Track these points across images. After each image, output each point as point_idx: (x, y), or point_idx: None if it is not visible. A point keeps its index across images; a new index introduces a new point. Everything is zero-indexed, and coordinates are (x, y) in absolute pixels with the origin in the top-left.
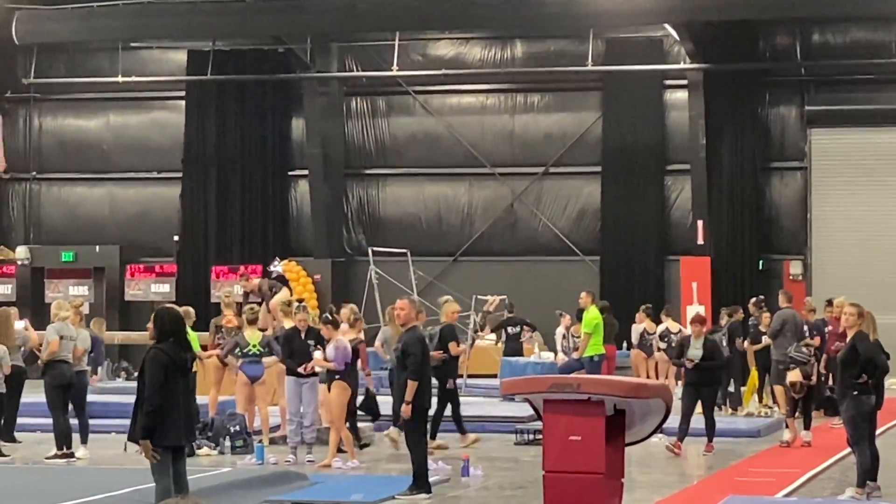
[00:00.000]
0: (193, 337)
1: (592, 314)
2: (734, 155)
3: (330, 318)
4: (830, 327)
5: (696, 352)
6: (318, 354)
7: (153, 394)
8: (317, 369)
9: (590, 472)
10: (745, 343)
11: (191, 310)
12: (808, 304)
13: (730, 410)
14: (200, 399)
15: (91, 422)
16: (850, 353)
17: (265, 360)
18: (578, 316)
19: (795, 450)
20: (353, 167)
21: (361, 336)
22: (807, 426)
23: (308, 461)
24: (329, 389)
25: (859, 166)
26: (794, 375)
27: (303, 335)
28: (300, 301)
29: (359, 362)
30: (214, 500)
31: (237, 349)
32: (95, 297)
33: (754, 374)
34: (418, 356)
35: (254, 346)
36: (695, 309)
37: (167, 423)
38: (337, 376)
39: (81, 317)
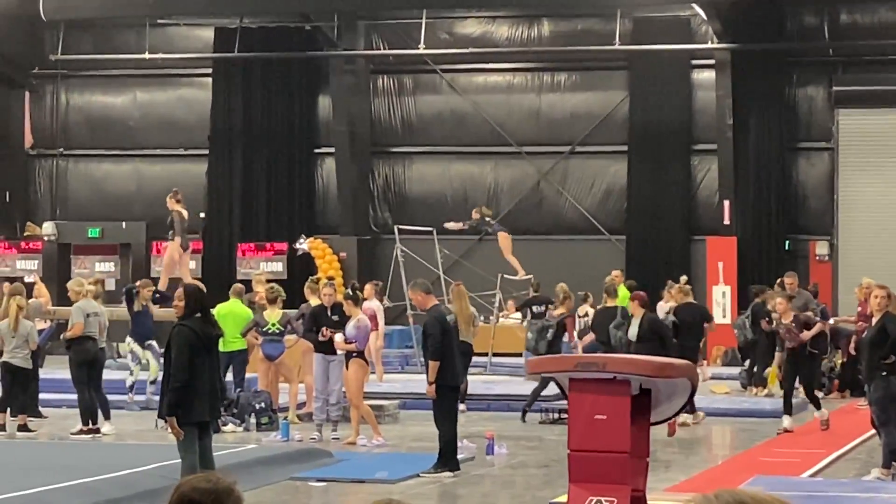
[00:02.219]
0: (249, 313)
1: (622, 293)
2: (761, 135)
3: (352, 293)
4: (860, 308)
5: (632, 329)
6: (338, 337)
7: (178, 370)
8: (338, 352)
9: (615, 452)
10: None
11: (241, 286)
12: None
13: (754, 391)
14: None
15: (116, 398)
16: (879, 334)
17: (287, 338)
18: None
19: (820, 431)
20: (379, 145)
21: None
22: (816, 406)
23: (333, 438)
24: (347, 367)
25: (887, 147)
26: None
27: (329, 311)
28: (330, 279)
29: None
30: (240, 476)
31: (256, 327)
32: (121, 273)
33: (779, 355)
34: (436, 336)
35: (273, 324)
36: (721, 289)
37: (193, 400)
38: (354, 354)
39: (98, 293)
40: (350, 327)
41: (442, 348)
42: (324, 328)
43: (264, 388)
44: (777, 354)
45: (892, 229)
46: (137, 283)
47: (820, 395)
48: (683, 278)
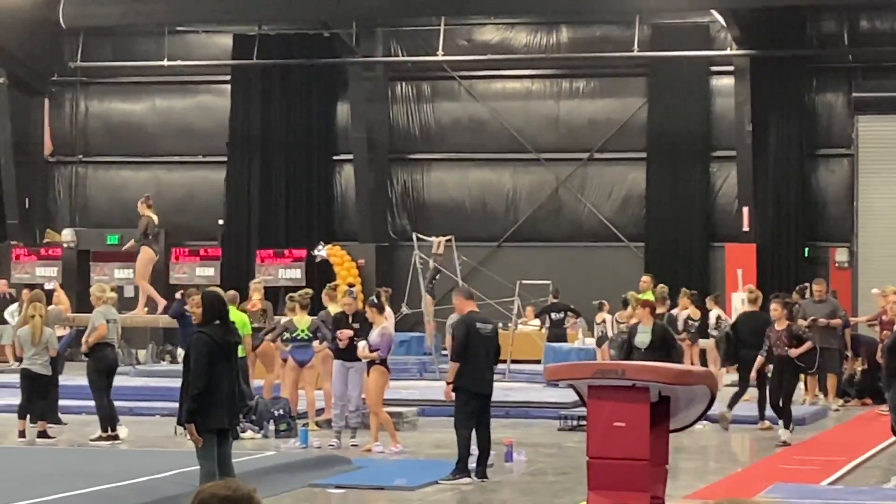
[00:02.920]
0: (244, 319)
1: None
2: (780, 141)
3: (376, 301)
4: (884, 317)
5: (643, 337)
6: (361, 346)
7: (197, 377)
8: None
9: (634, 459)
10: None
11: (237, 293)
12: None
13: None
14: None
15: (136, 404)
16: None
17: (315, 345)
18: (624, 303)
19: (841, 438)
20: (397, 152)
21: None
22: (786, 422)
23: (352, 445)
24: (368, 374)
25: None
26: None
27: (350, 319)
28: (350, 286)
29: None
30: (259, 483)
31: (285, 333)
32: None
33: (760, 359)
34: (460, 339)
35: (303, 330)
36: (740, 296)
37: (211, 407)
38: (377, 361)
39: (114, 300)
40: (374, 335)
41: (464, 351)
42: (339, 332)
43: (291, 395)
44: (759, 358)
45: None
46: (182, 292)
47: (840, 402)
48: (750, 286)
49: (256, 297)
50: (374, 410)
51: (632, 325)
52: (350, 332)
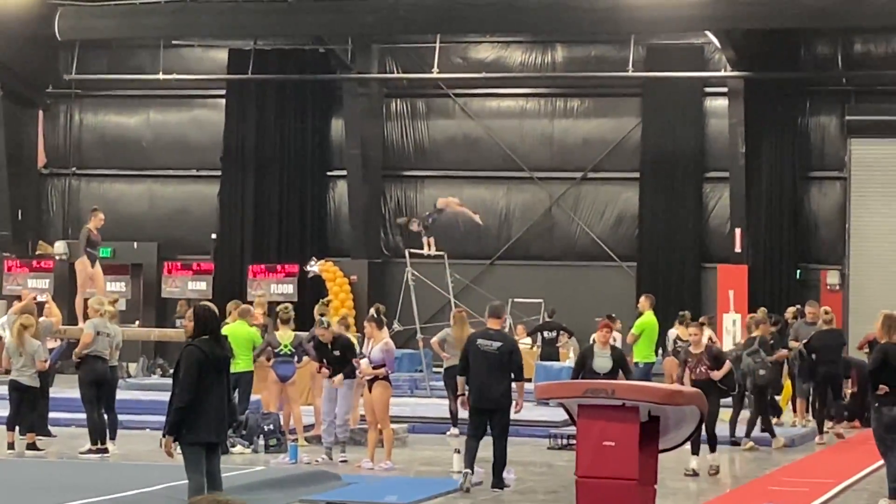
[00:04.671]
0: (255, 334)
1: (645, 319)
2: (773, 163)
3: (376, 316)
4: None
5: (603, 361)
6: (364, 363)
7: (184, 390)
8: (365, 379)
9: (623, 478)
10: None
11: (251, 308)
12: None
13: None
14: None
15: (126, 418)
16: (872, 364)
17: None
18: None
19: (831, 459)
20: (391, 168)
21: None
22: (712, 447)
23: (341, 461)
24: (370, 390)
25: None
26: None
27: (330, 347)
28: (322, 315)
29: None
30: (248, 498)
31: (268, 348)
32: (132, 293)
33: (789, 384)
34: (461, 354)
35: (285, 346)
36: (731, 317)
37: (198, 420)
38: (380, 377)
39: (114, 313)
40: (377, 350)
41: (463, 366)
42: (321, 367)
43: (275, 409)
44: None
45: None
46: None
47: (830, 423)
48: (826, 308)
49: (259, 311)
50: (382, 426)
51: (586, 348)
52: (328, 372)
